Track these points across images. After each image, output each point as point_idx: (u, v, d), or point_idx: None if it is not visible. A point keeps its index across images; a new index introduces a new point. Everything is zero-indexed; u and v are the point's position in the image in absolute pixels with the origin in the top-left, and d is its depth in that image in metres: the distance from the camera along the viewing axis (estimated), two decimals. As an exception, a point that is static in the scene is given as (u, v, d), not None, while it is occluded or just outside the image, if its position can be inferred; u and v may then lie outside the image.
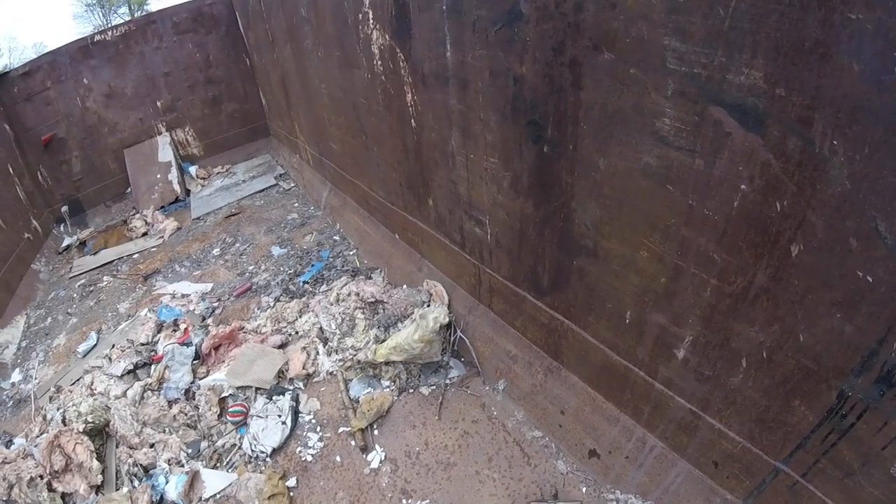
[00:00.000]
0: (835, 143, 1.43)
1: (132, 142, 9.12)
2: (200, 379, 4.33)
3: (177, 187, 8.55)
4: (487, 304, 3.77)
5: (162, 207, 8.43)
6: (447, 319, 3.72)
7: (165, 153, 8.94)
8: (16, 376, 5.58)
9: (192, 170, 9.17)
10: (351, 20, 4.03)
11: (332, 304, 4.48)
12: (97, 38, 8.50)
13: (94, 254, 7.83)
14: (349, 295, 4.43)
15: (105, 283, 6.86)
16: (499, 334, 3.71)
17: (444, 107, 3.19)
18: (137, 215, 8.29)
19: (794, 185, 1.57)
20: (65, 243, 8.71)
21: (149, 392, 4.30)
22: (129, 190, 9.06)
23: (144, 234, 7.87)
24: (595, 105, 2.10)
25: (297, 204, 7.24)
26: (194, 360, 4.43)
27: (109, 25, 8.29)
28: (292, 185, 7.87)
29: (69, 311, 6.51)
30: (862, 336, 1.61)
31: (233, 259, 6.27)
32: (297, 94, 6.48)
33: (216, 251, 6.58)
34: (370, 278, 4.84)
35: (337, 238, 5.98)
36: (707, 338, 2.15)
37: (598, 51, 1.97)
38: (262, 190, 7.95)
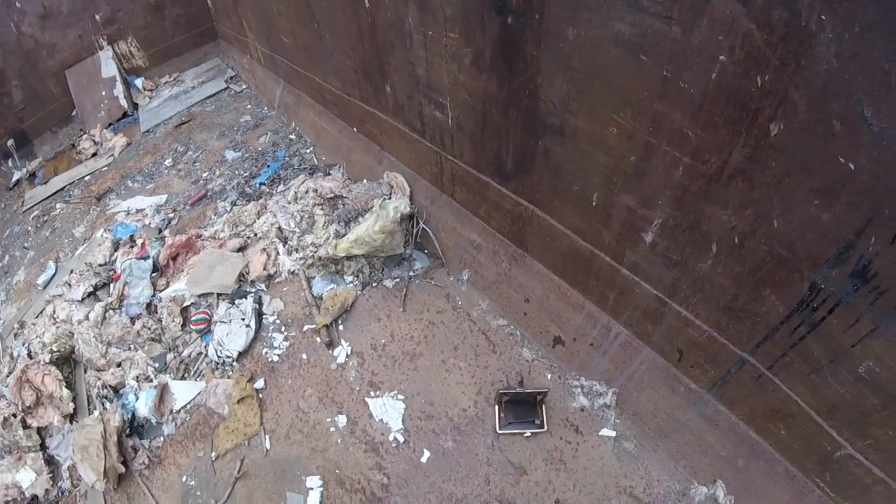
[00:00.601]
0: (823, 17, 1.30)
1: (73, 62, 8.57)
2: (160, 291, 4.26)
3: (123, 102, 8.16)
4: (450, 193, 3.65)
5: (110, 125, 8.07)
6: (408, 209, 3.62)
7: (109, 68, 8.47)
8: None
9: (139, 82, 8.72)
10: None
11: (290, 203, 4.35)
12: None
13: (45, 183, 7.60)
14: (307, 192, 4.29)
15: (58, 210, 6.67)
16: (462, 224, 3.62)
17: None
18: (85, 136, 7.95)
19: (777, 60, 1.44)
20: (14, 178, 8.43)
21: (110, 311, 4.23)
22: (74, 112, 8.64)
23: (94, 154, 7.58)
24: (563, -33, 1.90)
25: (249, 106, 6.93)
26: (153, 272, 4.34)
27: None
28: (244, 87, 7.52)
29: (25, 245, 6.37)
30: (840, 226, 1.54)
31: (186, 168, 6.06)
32: None
33: (168, 162, 6.35)
34: (329, 174, 4.69)
35: (293, 137, 5.76)
36: (677, 220, 2.06)
37: None
38: (213, 95, 7.58)
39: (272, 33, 5.70)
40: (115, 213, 5.77)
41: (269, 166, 5.24)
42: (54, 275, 5.40)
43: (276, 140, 5.80)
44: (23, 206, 7.34)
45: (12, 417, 3.57)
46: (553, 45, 2.13)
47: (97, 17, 8.29)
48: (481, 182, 3.22)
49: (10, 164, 8.67)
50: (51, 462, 3.53)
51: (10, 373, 4.01)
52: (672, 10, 1.62)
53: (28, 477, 3.44)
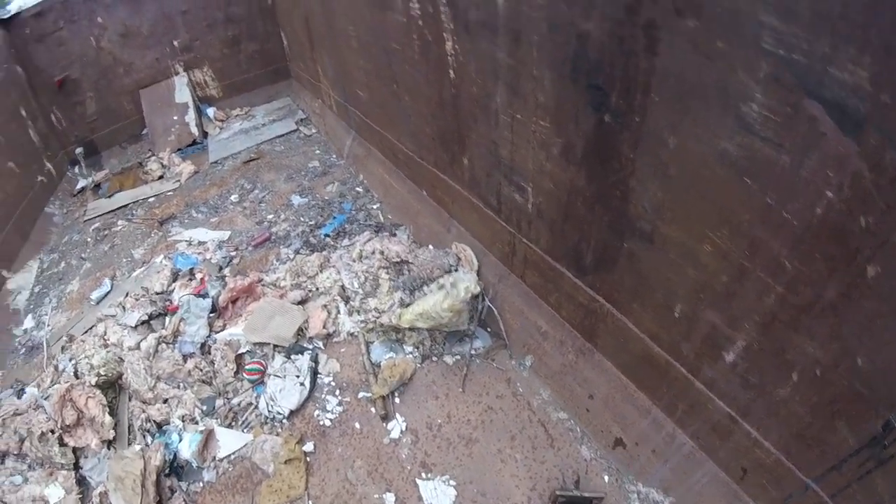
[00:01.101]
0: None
1: (148, 82, 9.00)
2: (216, 333, 4.32)
3: (194, 129, 8.46)
4: (520, 274, 3.67)
5: (179, 150, 8.36)
6: (478, 289, 3.64)
7: (182, 94, 8.82)
8: (28, 322, 5.65)
9: (211, 112, 9.06)
10: (384, -44, 3.84)
11: (354, 261, 4.41)
12: None
13: (109, 196, 7.83)
14: (373, 253, 4.34)
15: (120, 227, 6.86)
16: (530, 308, 3.62)
17: (491, 59, 2.99)
18: (153, 158, 8.24)
19: (884, 203, 1.43)
20: (79, 185, 8.71)
21: (163, 345, 4.29)
22: (145, 131, 8.99)
23: (160, 177, 7.83)
24: (671, 76, 1.92)
25: (318, 151, 7.12)
26: (210, 312, 4.41)
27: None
28: (314, 131, 7.74)
29: (83, 255, 6.54)
30: (923, 373, 1.52)
31: (251, 206, 6.21)
32: (321, 36, 6.28)
33: (234, 197, 6.52)
34: (394, 235, 4.75)
35: (360, 190, 5.88)
36: (761, 345, 2.04)
37: (680, 15, 1.79)
38: (283, 135, 7.83)
39: (348, 84, 5.88)
40: (176, 242, 5.91)
41: (335, 217, 5.34)
42: (109, 292, 5.50)
43: (343, 191, 5.92)
44: (84, 215, 7.56)
45: (50, 433, 3.60)
46: (651, 151, 2.15)
47: (175, 43, 8.73)
48: (556, 271, 3.23)
49: (76, 170, 8.98)
50: (82, 483, 3.55)
51: (52, 383, 4.09)
52: (783, 138, 1.62)
53: (57, 493, 3.46)
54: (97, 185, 8.41)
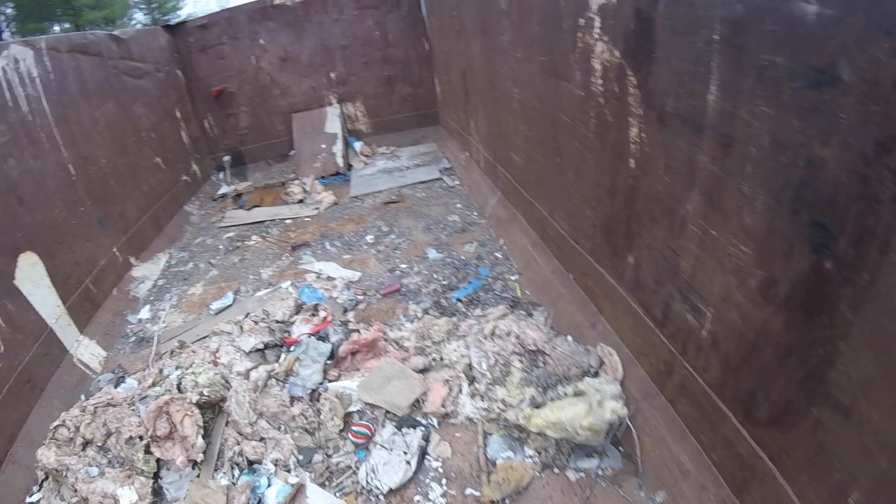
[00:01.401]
0: None
1: (301, 107, 9.46)
2: (330, 382, 4.18)
3: (339, 160, 8.64)
4: (671, 399, 3.26)
5: (321, 178, 8.55)
6: (626, 412, 3.27)
7: (333, 124, 9.09)
8: (144, 313, 5.84)
9: (357, 146, 9.27)
10: (567, 24, 3.61)
11: (485, 339, 4.15)
12: (277, 1, 8.81)
13: (248, 209, 8.09)
14: (508, 334, 4.07)
15: (253, 242, 7.02)
16: (675, 439, 3.20)
17: (687, 160, 2.66)
18: (296, 181, 8.48)
19: None
20: (221, 191, 9.13)
21: (273, 381, 4.19)
22: (292, 153, 9.34)
23: (300, 201, 8.01)
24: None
25: (459, 205, 7.00)
26: (328, 359, 4.28)
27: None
28: (457, 182, 7.67)
29: (212, 261, 6.72)
30: None
31: (385, 252, 6.14)
32: (479, 92, 6.24)
33: (370, 238, 6.50)
34: (531, 315, 4.46)
35: (499, 255, 5.65)
36: None
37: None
38: (425, 182, 7.82)
39: (501, 145, 5.74)
40: (305, 271, 5.92)
41: (469, 282, 5.13)
42: (229, 306, 5.56)
43: (481, 253, 5.73)
44: (221, 221, 7.89)
45: (138, 439, 3.55)
46: (876, 319, 1.74)
47: (332, 75, 9.19)
48: (717, 410, 2.81)
49: (221, 176, 9.46)
50: (158, 493, 3.49)
51: (153, 384, 4.08)
52: None
53: (129, 496, 3.38)
54: (238, 195, 8.75)
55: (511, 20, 4.69)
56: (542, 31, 4.08)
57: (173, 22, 8.94)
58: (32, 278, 4.59)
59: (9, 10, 28.64)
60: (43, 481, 3.65)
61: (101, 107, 6.71)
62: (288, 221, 7.49)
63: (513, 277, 5.23)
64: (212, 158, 9.78)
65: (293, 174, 8.97)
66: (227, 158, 9.70)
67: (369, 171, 8.54)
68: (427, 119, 9.70)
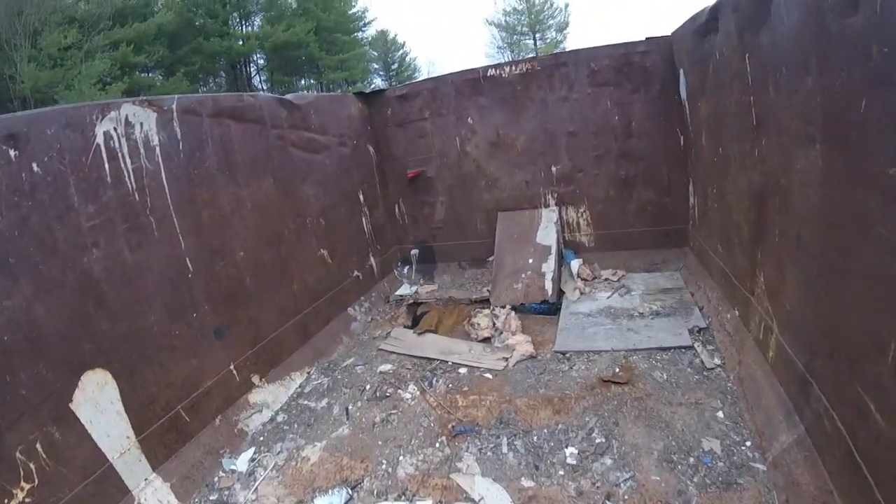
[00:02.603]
0: None
1: (510, 205, 7.32)
2: None
3: (549, 285, 6.25)
4: None
5: (521, 304, 6.17)
6: None
7: (547, 233, 6.76)
8: (243, 462, 4.30)
9: (575, 264, 6.81)
10: None
11: None
12: (491, 72, 6.86)
13: (419, 333, 6.02)
14: None
15: (408, 396, 4.89)
16: None
17: None
18: (485, 312, 6.16)
19: None
20: (399, 291, 7.39)
21: None
22: (490, 258, 7.15)
23: (486, 339, 5.69)
24: None
25: (721, 413, 4.06)
26: None
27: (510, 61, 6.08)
28: (717, 361, 4.75)
29: (349, 407, 4.87)
30: None
31: (590, 487, 3.53)
32: (790, 233, 3.43)
33: (571, 452, 3.87)
34: None
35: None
36: None
37: None
38: (668, 349, 4.99)
39: (828, 343, 2.92)
40: (459, 489, 3.58)
41: None
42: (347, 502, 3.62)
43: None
44: (384, 340, 6.11)
45: None
46: None
47: (553, 170, 7.00)
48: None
49: (405, 271, 7.65)
50: None
51: None
52: None
53: None
54: (415, 305, 6.79)
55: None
56: None
57: (369, 90, 7.38)
58: (97, 402, 3.54)
59: (261, 61, 31.34)
60: None
61: (253, 185, 5.21)
62: (462, 371, 5.20)
63: None
64: (398, 250, 7.98)
65: (486, 291, 6.70)
66: (414, 252, 7.87)
67: (586, 309, 6.00)
68: (671, 238, 6.92)
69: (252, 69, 34.37)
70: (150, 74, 29.07)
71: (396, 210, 7.84)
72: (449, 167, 7.31)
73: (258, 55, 33.34)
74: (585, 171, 6.87)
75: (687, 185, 6.52)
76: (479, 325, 5.86)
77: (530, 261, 6.52)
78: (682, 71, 5.93)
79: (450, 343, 5.82)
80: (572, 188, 6.95)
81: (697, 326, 5.24)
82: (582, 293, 6.32)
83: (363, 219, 7.22)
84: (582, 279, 6.60)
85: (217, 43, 30.31)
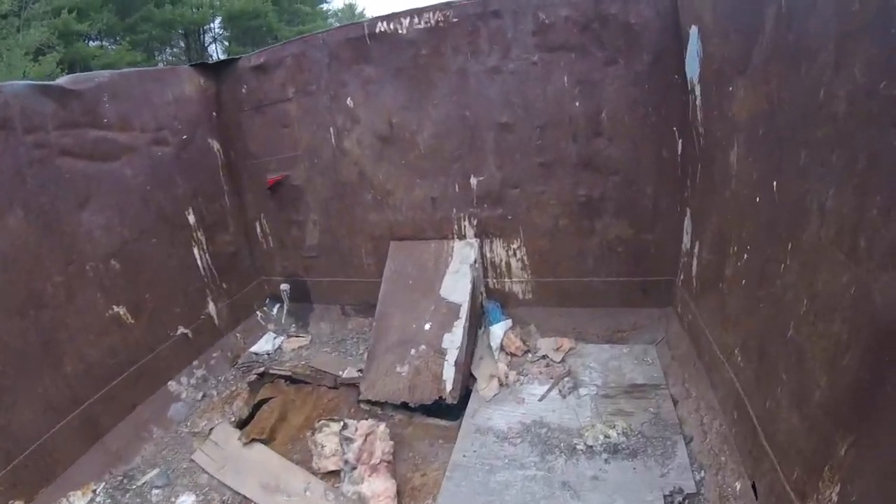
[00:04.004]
0: None
1: (408, 233, 4.84)
2: None
3: (449, 375, 3.86)
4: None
5: (405, 404, 3.80)
6: None
7: (459, 281, 4.34)
8: None
9: (499, 331, 4.39)
10: None
11: None
12: (382, 27, 4.32)
13: (245, 442, 3.76)
14: None
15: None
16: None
17: None
18: (333, 427, 3.65)
19: None
20: (256, 347, 5.19)
21: None
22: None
23: (331, 472, 3.35)
24: None
25: None
26: None
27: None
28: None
29: None
30: None
31: None
32: None
33: None
34: None
35: None
36: None
37: None
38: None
39: None
40: None
41: None
42: None
43: None
44: (206, 436, 4.03)
45: None
46: None
47: (473, 182, 4.56)
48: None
49: (274, 312, 5.69)
50: None
51: None
52: None
53: None
54: (263, 378, 4.54)
55: None
56: None
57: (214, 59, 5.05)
58: None
59: (220, 30, 28.59)
60: None
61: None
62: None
63: None
64: (264, 283, 5.58)
65: (359, 375, 4.28)
66: (285, 287, 5.43)
67: (503, 423, 3.55)
68: (648, 295, 4.43)
69: (208, 39, 31.43)
70: (94, 43, 26.03)
71: (258, 229, 5.35)
72: (322, 172, 4.82)
73: (216, 24, 30.47)
74: (524, 188, 4.37)
75: (681, 219, 4.05)
76: (322, 447, 3.44)
77: (427, 326, 4.09)
78: (694, 31, 3.35)
79: (281, 470, 3.48)
80: (502, 212, 4.46)
81: (681, 488, 2.86)
82: (503, 384, 3.89)
83: (195, 249, 4.79)
84: (508, 354, 4.18)
85: (169, 10, 27.37)
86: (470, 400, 3.79)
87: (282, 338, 5.24)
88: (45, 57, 20.55)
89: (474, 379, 3.98)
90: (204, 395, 4.57)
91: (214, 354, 4.95)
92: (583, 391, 3.71)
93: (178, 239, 4.64)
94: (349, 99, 4.50)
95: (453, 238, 4.61)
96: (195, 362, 4.74)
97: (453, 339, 3.91)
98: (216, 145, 5.01)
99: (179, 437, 4.12)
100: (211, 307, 4.94)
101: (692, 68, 3.46)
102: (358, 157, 4.64)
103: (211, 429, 4.00)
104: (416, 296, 4.32)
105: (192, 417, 4.34)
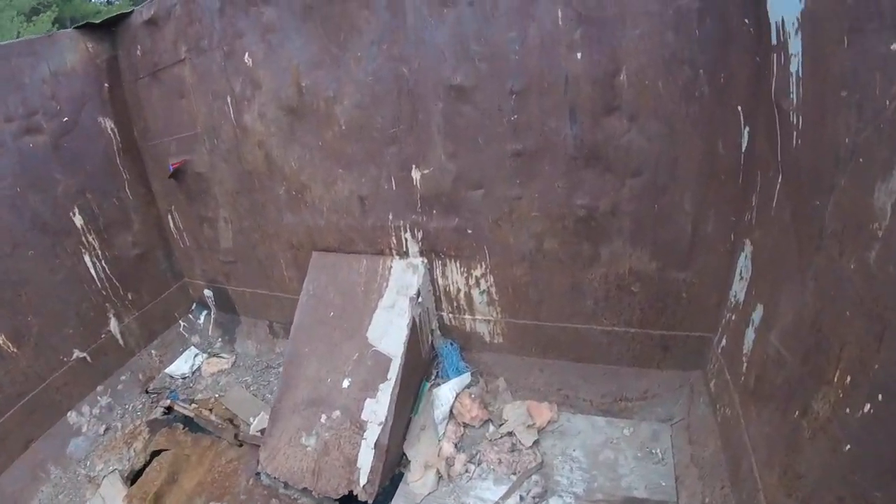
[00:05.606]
0: None
1: (333, 244, 3.62)
2: None
3: (365, 459, 2.71)
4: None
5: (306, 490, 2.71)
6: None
7: (394, 321, 3.16)
8: None
9: (449, 392, 3.18)
10: None
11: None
12: None
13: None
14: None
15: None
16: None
17: None
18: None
19: None
20: (172, 367, 4.33)
21: None
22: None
23: None
24: None
25: None
26: None
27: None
28: None
29: None
30: None
31: None
32: None
33: None
34: None
35: None
36: None
37: None
38: None
39: None
40: None
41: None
42: None
43: None
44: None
45: None
46: None
47: (415, 177, 3.19)
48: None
49: (201, 320, 4.73)
50: None
51: None
52: None
53: None
54: (171, 411, 4.00)
55: None
56: None
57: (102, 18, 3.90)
58: None
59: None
60: None
61: None
62: None
63: None
64: (186, 286, 4.59)
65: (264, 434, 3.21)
66: (209, 293, 4.33)
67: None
68: (670, 353, 2.98)
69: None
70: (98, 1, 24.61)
71: (171, 224, 4.23)
72: (224, 157, 3.65)
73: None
74: (490, 190, 2.99)
75: (733, 254, 2.57)
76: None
77: (346, 384, 2.94)
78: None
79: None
80: (458, 223, 3.16)
81: None
82: (443, 477, 2.72)
83: (87, 257, 3.90)
84: (461, 425, 3.00)
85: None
86: (395, 496, 2.65)
87: (203, 357, 4.24)
88: (39, 17, 19.72)
89: (408, 459, 2.84)
90: (107, 429, 3.88)
91: (122, 378, 4.15)
92: (557, 500, 2.52)
93: (63, 248, 3.78)
94: (247, 55, 3.24)
95: (391, 255, 3.37)
96: (99, 388, 4.00)
97: (377, 410, 2.76)
98: (109, 125, 3.94)
99: (76, 480, 3.53)
100: (113, 324, 4.06)
101: (783, 4, 1.90)
102: (262, 137, 3.42)
103: (104, 477, 3.42)
104: (338, 335, 3.15)
105: (91, 456, 3.69)
